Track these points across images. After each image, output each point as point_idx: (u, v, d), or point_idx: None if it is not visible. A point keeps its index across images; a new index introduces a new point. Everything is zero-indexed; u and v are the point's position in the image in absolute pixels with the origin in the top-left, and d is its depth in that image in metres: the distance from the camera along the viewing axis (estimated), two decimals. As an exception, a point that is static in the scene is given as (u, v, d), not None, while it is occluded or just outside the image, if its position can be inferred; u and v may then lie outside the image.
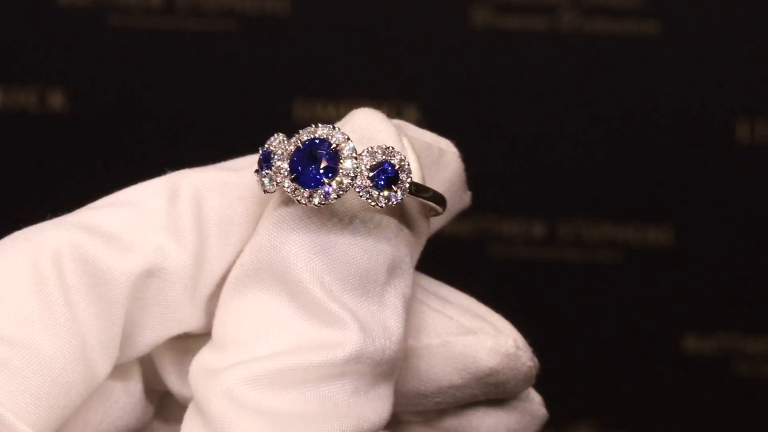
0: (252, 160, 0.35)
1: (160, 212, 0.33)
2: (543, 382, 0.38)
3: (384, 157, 0.32)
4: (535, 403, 0.38)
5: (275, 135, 0.33)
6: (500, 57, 0.87)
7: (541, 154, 0.88)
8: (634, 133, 0.88)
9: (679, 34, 0.86)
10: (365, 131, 0.34)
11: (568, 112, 0.88)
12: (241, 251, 0.34)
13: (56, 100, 0.88)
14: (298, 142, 0.32)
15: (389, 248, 0.33)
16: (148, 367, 0.36)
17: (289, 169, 0.32)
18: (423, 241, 0.35)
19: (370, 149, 0.32)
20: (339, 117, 0.36)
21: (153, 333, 0.34)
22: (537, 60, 0.87)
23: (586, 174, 0.88)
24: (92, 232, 0.33)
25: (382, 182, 0.32)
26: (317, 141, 0.32)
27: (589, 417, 0.90)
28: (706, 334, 0.90)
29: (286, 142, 0.32)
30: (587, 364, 0.90)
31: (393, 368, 0.33)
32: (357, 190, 0.32)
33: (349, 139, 0.32)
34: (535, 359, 0.37)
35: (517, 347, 0.36)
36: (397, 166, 0.32)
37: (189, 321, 0.34)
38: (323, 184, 0.32)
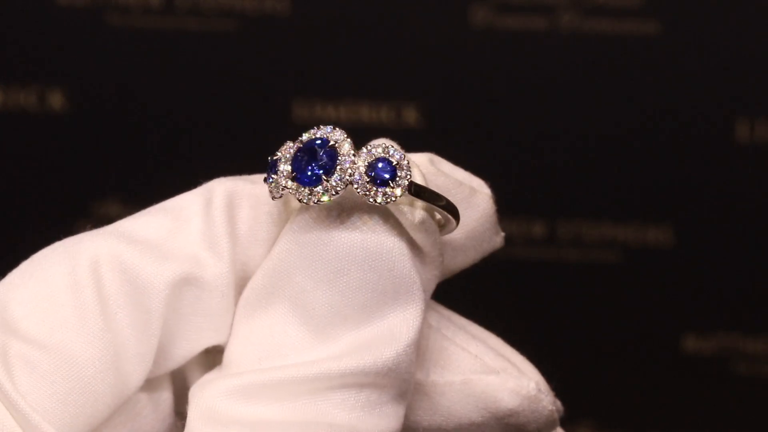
0: None
1: (196, 220, 0.34)
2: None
3: (383, 154, 0.32)
4: None
5: (286, 143, 0.33)
6: (500, 57, 0.87)
7: (541, 154, 0.88)
8: (633, 133, 0.88)
9: (679, 34, 0.86)
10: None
11: (568, 112, 0.88)
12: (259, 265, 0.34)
13: (56, 100, 0.88)
14: (300, 143, 0.32)
15: (399, 262, 0.33)
16: (180, 387, 0.36)
17: (290, 170, 0.32)
18: (437, 253, 0.34)
19: (369, 147, 0.32)
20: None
21: (189, 344, 0.34)
22: (537, 60, 0.87)
23: (586, 174, 0.88)
24: (130, 241, 0.33)
25: (380, 180, 0.32)
26: (318, 141, 0.32)
27: (589, 417, 0.90)
28: (705, 334, 0.90)
29: (290, 146, 0.33)
30: (587, 364, 0.90)
31: (401, 385, 0.33)
32: (355, 186, 0.32)
33: (348, 137, 0.32)
34: (558, 403, 0.37)
35: (539, 390, 0.36)
36: (395, 164, 0.32)
37: (225, 331, 0.34)
38: (321, 181, 0.32)
